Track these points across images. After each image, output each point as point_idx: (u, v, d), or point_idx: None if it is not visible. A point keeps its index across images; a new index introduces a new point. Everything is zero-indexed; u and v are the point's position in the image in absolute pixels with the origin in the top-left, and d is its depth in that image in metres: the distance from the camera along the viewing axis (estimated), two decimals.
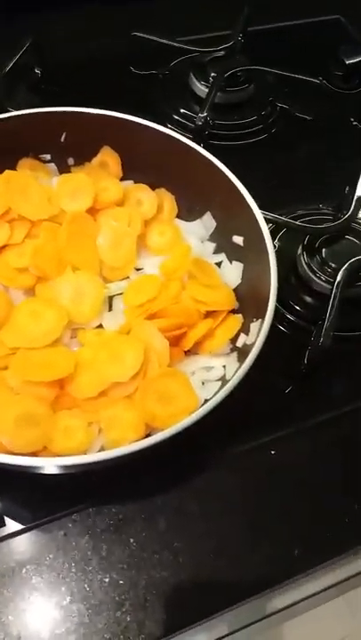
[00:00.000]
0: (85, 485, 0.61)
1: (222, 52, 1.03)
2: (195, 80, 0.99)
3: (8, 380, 0.55)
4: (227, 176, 0.65)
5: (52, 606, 0.57)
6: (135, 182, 0.74)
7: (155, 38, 1.01)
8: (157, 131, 0.70)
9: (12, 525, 0.59)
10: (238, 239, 0.67)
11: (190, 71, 1.00)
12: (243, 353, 0.60)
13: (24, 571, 0.58)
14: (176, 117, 0.97)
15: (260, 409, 0.69)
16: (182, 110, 0.98)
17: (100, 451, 0.54)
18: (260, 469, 0.66)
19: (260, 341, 0.52)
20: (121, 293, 0.67)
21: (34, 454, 0.51)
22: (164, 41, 1.02)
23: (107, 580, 0.59)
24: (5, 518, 0.59)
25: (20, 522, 0.60)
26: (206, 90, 0.97)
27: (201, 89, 0.98)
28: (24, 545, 0.59)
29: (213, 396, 0.56)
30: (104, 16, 1.06)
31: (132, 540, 0.61)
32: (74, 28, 1.04)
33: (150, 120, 0.70)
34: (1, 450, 0.49)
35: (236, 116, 0.99)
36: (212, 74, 0.97)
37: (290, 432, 0.68)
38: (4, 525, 0.58)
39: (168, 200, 0.73)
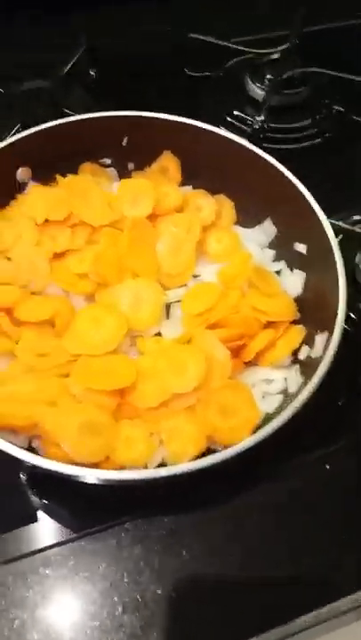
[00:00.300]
0: (137, 495, 0.60)
1: (278, 54, 1.00)
2: (250, 82, 0.97)
3: (71, 387, 0.55)
4: (291, 182, 0.64)
5: (104, 616, 0.56)
6: (194, 188, 0.73)
7: (211, 39, 1.00)
8: (219, 135, 0.69)
9: (65, 532, 0.59)
10: (301, 247, 0.65)
11: (245, 73, 0.99)
12: (306, 366, 0.58)
13: (77, 578, 0.58)
14: (229, 119, 0.96)
15: (315, 422, 0.67)
16: (235, 112, 0.97)
17: (160, 463, 0.53)
18: (314, 483, 0.65)
19: (329, 356, 0.51)
20: (178, 301, 0.66)
21: (95, 464, 0.50)
22: (219, 42, 1.00)
23: (159, 591, 0.58)
24: (59, 525, 0.59)
25: (73, 529, 0.59)
26: (261, 92, 0.95)
27: (256, 91, 0.96)
28: (77, 552, 0.59)
29: (276, 410, 0.55)
30: (158, 17, 1.05)
31: (184, 552, 0.60)
32: (127, 30, 1.04)
33: (202, 122, 0.69)
34: (64, 458, 0.49)
35: (290, 118, 0.97)
36: (269, 76, 0.96)
37: (344, 446, 0.66)
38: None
39: (227, 206, 0.72)
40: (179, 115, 0.70)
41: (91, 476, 0.46)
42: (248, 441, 0.47)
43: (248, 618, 0.56)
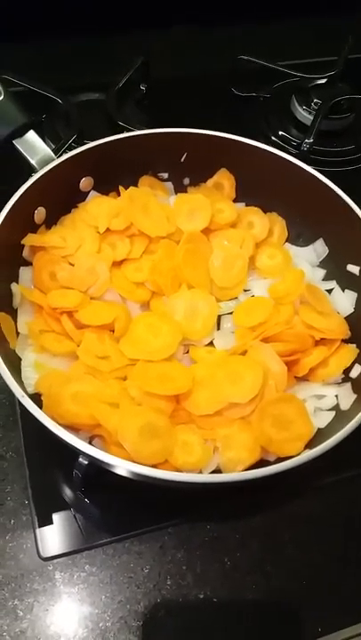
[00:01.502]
0: (181, 500, 0.61)
1: (325, 79, 1.03)
2: (297, 104, 1.00)
3: (129, 390, 0.56)
4: (347, 203, 0.66)
5: (148, 617, 0.57)
6: (247, 205, 0.75)
7: (259, 61, 1.03)
8: (274, 154, 0.72)
9: (111, 533, 0.60)
10: (354, 268, 0.67)
11: (292, 95, 1.01)
12: (359, 385, 0.59)
13: (121, 578, 0.59)
14: (274, 139, 0.98)
15: (356, 439, 0.68)
16: (281, 133, 0.99)
17: (215, 469, 0.55)
18: (352, 501, 0.66)
19: None
20: (230, 313, 0.68)
21: (154, 466, 0.52)
22: (269, 64, 1.03)
23: (201, 596, 0.59)
24: (105, 525, 0.60)
25: (118, 530, 0.61)
26: (307, 115, 0.98)
27: (302, 114, 0.99)
28: (122, 553, 0.60)
29: (327, 426, 0.56)
30: (209, 37, 1.09)
31: (225, 559, 0.61)
32: (178, 47, 1.07)
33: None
34: (124, 458, 0.50)
35: (334, 143, 0.99)
36: (316, 100, 0.98)
37: None
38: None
39: (279, 224, 0.74)
40: (225, 132, 0.72)
41: (153, 476, 0.47)
42: (306, 455, 0.49)
43: (286, 630, 0.57)
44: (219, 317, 0.68)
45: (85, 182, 0.70)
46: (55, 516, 0.60)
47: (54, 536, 0.58)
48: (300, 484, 0.63)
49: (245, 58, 1.03)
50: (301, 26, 1.12)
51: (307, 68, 1.04)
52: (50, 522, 0.59)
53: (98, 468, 0.52)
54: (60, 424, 0.50)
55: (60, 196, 0.67)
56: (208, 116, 0.80)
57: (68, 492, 0.61)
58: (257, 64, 1.03)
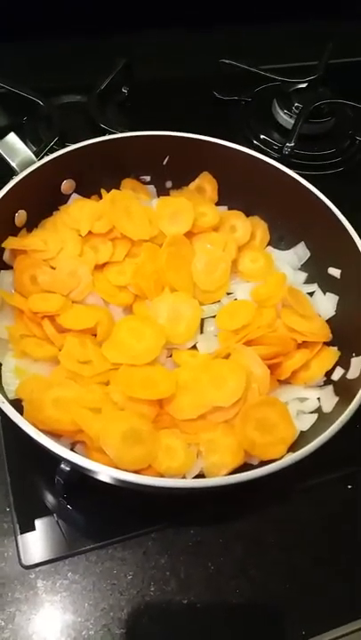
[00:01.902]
0: (165, 505, 0.61)
1: (306, 84, 1.04)
2: (278, 108, 1.01)
3: (112, 395, 0.56)
4: (328, 206, 0.66)
5: (131, 624, 0.57)
6: (229, 208, 0.76)
7: (241, 65, 1.03)
8: (256, 158, 0.72)
9: (94, 539, 0.59)
10: (335, 271, 0.67)
11: (273, 99, 1.02)
12: (341, 387, 0.60)
13: (105, 585, 0.58)
14: (256, 143, 0.99)
15: (339, 442, 0.69)
16: (262, 136, 1.00)
17: (199, 473, 0.55)
18: (336, 503, 0.66)
19: None
20: (213, 316, 0.68)
21: (137, 472, 0.52)
22: (250, 68, 1.04)
23: (185, 602, 0.59)
24: (88, 531, 0.60)
25: (101, 536, 0.60)
26: (289, 119, 0.98)
27: (284, 118, 0.99)
28: (105, 559, 0.59)
29: (310, 429, 0.56)
30: (191, 41, 1.09)
31: (209, 564, 0.61)
32: (161, 50, 1.07)
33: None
34: (107, 464, 0.50)
35: (315, 147, 0.99)
36: (297, 104, 0.99)
37: None
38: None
39: (261, 227, 0.75)
40: (206, 136, 0.72)
41: (137, 482, 0.47)
42: (290, 458, 0.49)
43: (271, 633, 0.57)
44: (202, 321, 0.68)
45: (67, 185, 0.69)
46: (37, 523, 0.59)
47: (36, 543, 0.58)
48: (283, 486, 0.63)
49: (227, 62, 1.03)
50: (283, 31, 1.13)
51: (288, 73, 1.05)
52: (32, 529, 0.58)
53: (80, 475, 0.52)
54: (41, 430, 0.49)
55: (41, 199, 0.67)
56: (190, 120, 0.80)
57: (50, 499, 0.60)
58: (239, 68, 1.04)
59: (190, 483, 0.49)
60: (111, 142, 0.69)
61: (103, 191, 0.69)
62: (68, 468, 0.53)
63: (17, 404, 0.54)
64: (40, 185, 0.65)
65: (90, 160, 0.68)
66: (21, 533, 0.57)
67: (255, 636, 0.57)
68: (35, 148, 0.78)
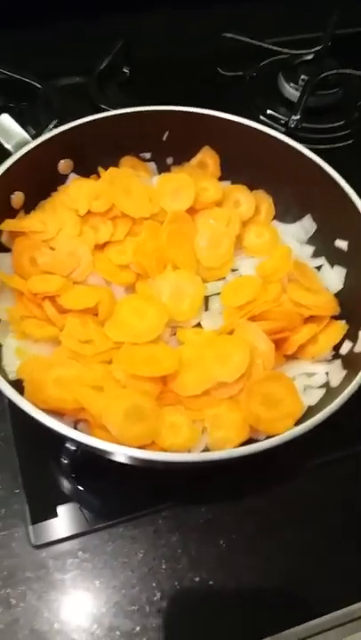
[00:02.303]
0: (174, 483, 0.61)
1: (311, 55, 1.01)
2: (284, 82, 0.98)
3: (114, 373, 0.55)
4: (334, 178, 0.64)
5: (143, 601, 0.57)
6: (233, 183, 0.74)
7: (244, 39, 1.01)
8: (259, 130, 0.70)
9: (104, 518, 0.59)
10: (342, 243, 0.65)
11: (279, 73, 1.00)
12: (349, 361, 0.58)
13: (115, 563, 0.58)
14: (263, 118, 0.97)
15: (349, 419, 0.67)
16: (269, 111, 0.98)
17: (204, 449, 0.54)
18: (347, 479, 0.65)
19: None
20: (217, 293, 0.67)
21: (141, 448, 0.51)
22: (254, 42, 1.01)
23: (197, 579, 0.58)
24: (98, 510, 0.60)
25: (111, 515, 0.60)
26: (295, 92, 0.96)
27: (290, 91, 0.97)
28: (115, 538, 0.59)
29: (318, 403, 0.55)
30: (192, 17, 1.06)
31: (220, 542, 0.60)
32: (162, 29, 1.05)
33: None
34: (110, 441, 0.49)
35: (323, 119, 0.97)
36: (303, 76, 0.96)
37: None
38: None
39: (266, 202, 0.73)
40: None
41: (138, 457, 0.46)
42: (294, 431, 0.48)
43: (283, 610, 0.56)
44: (206, 298, 0.67)
45: (64, 165, 0.69)
46: (47, 504, 0.59)
47: (46, 523, 0.58)
48: (293, 464, 0.62)
49: (230, 36, 1.01)
50: (286, 2, 1.10)
51: (293, 45, 1.02)
52: (41, 510, 0.59)
53: (86, 454, 0.52)
54: (43, 410, 0.49)
55: (38, 180, 0.66)
56: (194, 98, 0.78)
57: (59, 480, 0.60)
58: (242, 42, 1.01)
59: (193, 457, 0.49)
60: (108, 119, 0.68)
61: (101, 169, 0.68)
62: (73, 448, 0.53)
63: (18, 386, 0.54)
64: (36, 166, 0.64)
65: (87, 139, 0.67)
66: (31, 514, 0.58)
67: (267, 612, 0.56)
68: (34, 132, 0.77)
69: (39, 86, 0.85)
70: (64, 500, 0.59)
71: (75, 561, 0.57)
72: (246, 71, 1.03)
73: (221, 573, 0.58)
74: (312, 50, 1.00)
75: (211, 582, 0.58)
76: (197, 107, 0.71)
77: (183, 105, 0.71)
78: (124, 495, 0.61)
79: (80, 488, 0.60)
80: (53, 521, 0.58)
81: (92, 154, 0.69)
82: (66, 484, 0.60)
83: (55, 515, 0.58)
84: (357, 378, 0.50)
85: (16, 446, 0.61)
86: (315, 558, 0.59)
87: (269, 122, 0.96)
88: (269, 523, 0.61)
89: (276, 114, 0.97)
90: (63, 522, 0.58)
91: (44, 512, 0.58)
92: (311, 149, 0.69)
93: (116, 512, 0.59)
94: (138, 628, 0.54)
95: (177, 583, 0.58)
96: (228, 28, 1.02)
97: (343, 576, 0.58)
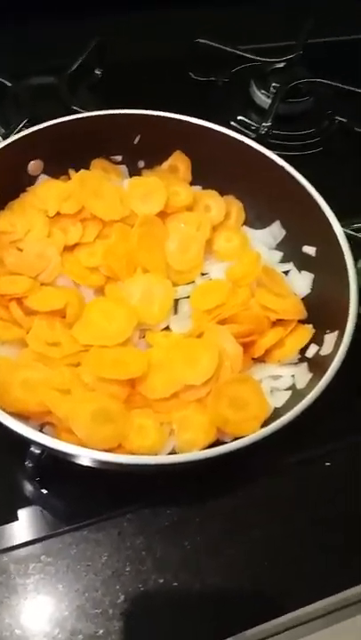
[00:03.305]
0: (140, 485, 0.60)
1: (283, 63, 1.03)
2: (255, 89, 0.99)
3: (82, 376, 0.55)
4: (303, 186, 0.65)
5: (106, 604, 0.56)
6: (203, 188, 0.75)
7: (218, 45, 1.02)
8: (229, 136, 0.71)
9: (67, 521, 0.59)
10: (310, 249, 0.67)
11: (251, 80, 1.01)
12: (314, 364, 0.59)
13: (79, 567, 0.58)
14: (234, 124, 0.98)
15: (317, 418, 0.69)
16: (240, 117, 0.99)
17: (171, 452, 0.54)
18: (314, 480, 0.66)
19: (341, 354, 0.52)
20: (187, 297, 0.67)
21: (108, 451, 0.51)
22: (227, 48, 1.02)
23: (161, 581, 0.58)
24: (61, 514, 0.59)
25: (75, 518, 0.59)
26: (266, 99, 0.97)
27: (261, 98, 0.98)
28: (79, 541, 0.59)
29: (284, 406, 0.56)
30: (166, 20, 1.07)
31: (186, 543, 0.60)
32: (135, 31, 1.05)
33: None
34: (76, 444, 0.49)
35: (293, 127, 0.99)
36: (274, 84, 0.98)
37: (347, 444, 0.67)
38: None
39: (236, 207, 0.74)
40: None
41: (104, 460, 0.46)
42: (260, 433, 0.48)
43: (246, 614, 0.57)
44: (176, 301, 0.67)
45: (34, 166, 0.68)
46: (9, 508, 0.58)
47: (8, 527, 0.57)
48: (259, 465, 0.62)
49: (203, 42, 1.02)
50: (260, 10, 1.11)
51: (266, 53, 1.03)
52: (3, 513, 0.58)
53: (51, 457, 0.51)
54: (8, 413, 0.48)
55: (7, 181, 0.65)
56: (166, 101, 0.78)
57: (22, 483, 0.60)
58: (215, 48, 1.02)
59: (160, 459, 0.49)
60: (79, 121, 0.67)
61: (72, 171, 0.68)
62: (38, 451, 0.52)
63: None
64: (5, 166, 0.63)
65: (58, 140, 0.67)
66: None
67: (232, 613, 0.56)
68: (3, 131, 0.77)
69: (9, 84, 0.84)
70: (27, 503, 0.58)
71: (37, 565, 0.56)
72: (218, 77, 1.04)
73: (186, 575, 0.58)
74: (284, 58, 1.01)
75: (175, 583, 0.58)
76: (169, 110, 0.71)
77: (155, 108, 0.71)
78: (88, 498, 0.60)
79: (44, 491, 0.59)
80: (16, 525, 0.57)
81: (63, 155, 0.68)
82: (29, 488, 0.59)
83: (17, 518, 0.57)
84: (323, 381, 0.51)
85: None
86: (279, 559, 0.59)
87: (240, 128, 0.97)
88: (234, 524, 0.61)
89: (247, 120, 0.98)
90: (26, 525, 0.57)
91: (7, 515, 0.57)
92: (281, 156, 0.70)
93: (80, 515, 0.59)
94: (101, 631, 0.54)
95: (141, 585, 0.58)
96: (202, 33, 1.03)
97: (307, 576, 0.59)
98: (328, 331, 0.59)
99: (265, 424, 0.55)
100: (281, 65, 1.02)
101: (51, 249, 0.63)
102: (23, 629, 0.53)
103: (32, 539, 0.57)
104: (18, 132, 0.70)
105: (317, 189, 0.66)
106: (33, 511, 0.58)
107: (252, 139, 0.78)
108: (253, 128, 0.96)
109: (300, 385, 0.59)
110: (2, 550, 0.56)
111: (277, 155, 0.70)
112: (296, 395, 0.58)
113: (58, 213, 0.65)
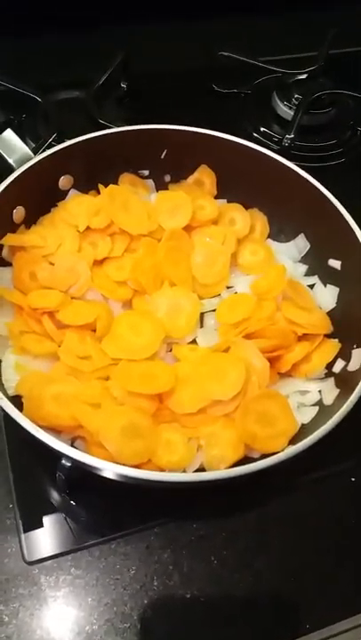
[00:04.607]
0: (167, 499, 0.61)
1: (305, 75, 1.03)
2: (278, 100, 1.00)
3: (112, 390, 0.56)
4: (327, 198, 0.66)
5: (135, 618, 0.57)
6: (228, 201, 0.75)
7: (240, 57, 1.02)
8: (255, 150, 0.71)
9: (96, 535, 0.59)
10: (335, 263, 0.67)
11: (273, 91, 1.01)
12: (342, 379, 0.59)
13: (108, 580, 0.58)
14: (256, 136, 0.98)
15: (343, 435, 0.68)
16: (262, 129, 0.99)
17: (199, 467, 0.54)
18: (340, 496, 0.65)
19: None
20: (213, 310, 0.68)
21: (137, 466, 0.51)
22: (250, 60, 1.03)
23: (188, 596, 0.59)
24: (91, 527, 0.60)
25: (104, 532, 0.60)
26: (289, 110, 0.98)
27: (283, 109, 0.99)
28: (108, 555, 0.59)
29: (311, 421, 0.56)
30: (189, 33, 1.08)
31: (212, 558, 0.60)
32: (159, 44, 1.06)
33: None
34: (106, 459, 0.50)
35: (316, 138, 0.99)
36: (297, 95, 0.98)
37: None
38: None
39: (260, 220, 0.74)
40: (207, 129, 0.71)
41: (133, 476, 0.47)
42: (290, 451, 0.49)
43: (275, 625, 0.57)
44: (202, 315, 0.68)
45: (65, 181, 0.69)
46: (40, 520, 0.59)
47: (39, 539, 0.58)
48: (286, 480, 0.62)
49: (226, 54, 1.02)
50: (282, 22, 1.12)
51: (288, 64, 1.04)
52: (34, 525, 0.59)
53: (81, 470, 0.52)
54: (41, 426, 0.49)
55: (39, 195, 0.66)
56: (190, 113, 0.80)
57: (53, 495, 0.60)
58: (238, 60, 1.03)
59: (190, 477, 0.49)
60: (108, 137, 0.68)
61: (101, 186, 0.69)
62: (68, 464, 0.53)
63: (17, 401, 0.54)
64: (38, 181, 0.65)
65: (87, 155, 0.68)
66: (24, 530, 0.58)
67: (259, 629, 0.56)
68: (33, 145, 0.78)
69: (39, 99, 0.85)
70: (57, 515, 0.59)
71: (67, 577, 0.57)
72: (241, 88, 1.05)
73: (213, 589, 0.58)
74: (306, 69, 1.02)
75: (202, 599, 0.58)
76: (193, 122, 0.72)
77: (179, 120, 0.72)
78: (116, 511, 0.61)
79: (73, 504, 0.60)
80: (47, 537, 0.58)
81: (92, 170, 0.69)
82: (59, 500, 0.60)
83: (49, 531, 0.58)
84: (352, 397, 0.51)
85: (10, 461, 0.61)
86: (306, 574, 0.59)
87: (263, 139, 0.97)
88: (261, 539, 0.61)
89: (269, 131, 0.98)
90: (56, 538, 0.58)
91: (38, 527, 0.58)
92: (304, 168, 0.70)
93: (108, 528, 0.60)
94: None
95: (169, 600, 0.58)
96: (225, 45, 1.03)
97: (335, 591, 0.59)
98: (355, 346, 0.59)
99: (292, 440, 0.55)
100: (303, 76, 1.02)
101: (81, 263, 0.64)
102: None
103: (62, 551, 0.57)
104: (47, 147, 0.72)
105: (340, 201, 0.67)
106: (62, 523, 0.59)
107: (276, 151, 0.79)
108: (276, 139, 0.97)
109: (328, 401, 0.59)
110: (32, 562, 0.56)
111: (300, 166, 0.70)
112: (323, 411, 0.58)
113: (87, 228, 0.66)
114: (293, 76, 1.02)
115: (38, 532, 0.58)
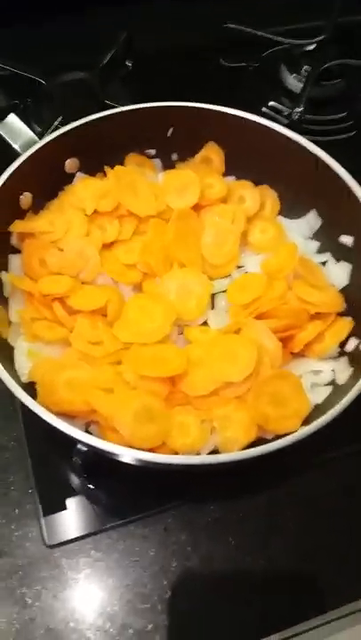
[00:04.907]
0: (183, 481, 0.61)
1: (314, 45, 1.00)
2: (286, 73, 0.97)
3: (124, 374, 0.56)
4: (337, 173, 0.64)
5: (155, 599, 0.58)
6: (237, 178, 0.74)
7: (247, 29, 1.00)
8: (263, 125, 0.70)
9: (114, 517, 0.60)
10: (347, 239, 0.65)
11: (281, 63, 0.99)
12: (355, 358, 0.59)
13: (127, 562, 0.59)
14: (265, 110, 0.96)
15: (356, 414, 0.68)
16: (271, 103, 0.97)
17: (213, 449, 0.54)
18: (354, 476, 0.65)
19: None
20: (223, 291, 0.67)
21: (151, 450, 0.52)
22: (257, 32, 1.00)
23: (207, 576, 0.59)
24: (108, 510, 0.60)
25: (121, 514, 0.61)
26: (297, 83, 0.95)
27: (293, 82, 0.96)
28: (126, 537, 0.60)
29: (325, 401, 0.56)
30: (193, 7, 1.05)
31: (230, 539, 0.61)
32: (162, 20, 1.04)
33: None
34: (120, 443, 0.50)
35: (325, 110, 0.96)
36: (306, 67, 0.95)
37: None
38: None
39: (270, 197, 0.73)
40: (215, 105, 0.70)
41: (147, 460, 0.47)
42: (304, 431, 0.48)
43: (293, 605, 0.57)
44: (213, 296, 0.67)
45: (71, 164, 0.68)
46: (59, 504, 0.60)
47: (59, 523, 0.59)
48: (300, 460, 0.62)
49: (232, 26, 1.00)
50: None
51: (295, 35, 1.01)
52: (54, 509, 0.60)
53: (97, 455, 0.52)
54: (54, 412, 0.49)
55: (45, 180, 0.66)
56: (196, 89, 0.78)
57: (71, 479, 0.61)
58: (244, 32, 1.00)
59: (204, 459, 0.49)
60: (112, 117, 0.67)
61: (107, 168, 0.68)
62: (84, 449, 0.53)
63: (31, 387, 0.54)
64: (43, 165, 0.64)
65: (92, 137, 0.67)
66: (44, 514, 0.59)
67: (277, 609, 0.57)
68: (39, 129, 0.77)
69: (43, 82, 0.84)
70: (76, 499, 0.60)
71: (88, 560, 0.58)
72: (248, 62, 1.02)
73: (231, 570, 0.59)
74: (314, 40, 0.98)
75: (221, 579, 0.59)
76: (200, 98, 0.70)
77: (186, 97, 0.70)
78: (134, 494, 0.62)
79: (91, 487, 0.60)
80: (66, 521, 0.59)
81: (98, 151, 0.68)
82: (77, 484, 0.61)
83: (68, 514, 0.59)
84: None
85: (28, 447, 0.62)
86: (322, 554, 0.60)
87: (272, 113, 0.95)
88: (277, 519, 0.62)
89: (278, 105, 0.96)
90: (76, 521, 0.59)
91: (58, 511, 0.59)
92: (314, 141, 0.68)
93: (127, 511, 0.60)
94: (150, 626, 0.55)
95: (188, 581, 0.58)
96: (230, 18, 1.01)
97: (352, 571, 0.59)
98: None
99: (305, 420, 0.54)
100: (311, 47, 0.99)
101: (90, 248, 0.63)
102: (76, 622, 0.55)
103: (82, 534, 0.58)
104: (53, 130, 0.71)
105: (352, 175, 0.65)
106: (82, 507, 0.60)
107: (285, 125, 0.77)
108: (285, 113, 0.95)
109: (341, 380, 0.58)
110: (53, 546, 0.57)
111: (310, 140, 0.68)
112: (337, 390, 0.57)
113: (95, 211, 0.65)
114: (302, 47, 0.99)
115: (58, 515, 0.59)
